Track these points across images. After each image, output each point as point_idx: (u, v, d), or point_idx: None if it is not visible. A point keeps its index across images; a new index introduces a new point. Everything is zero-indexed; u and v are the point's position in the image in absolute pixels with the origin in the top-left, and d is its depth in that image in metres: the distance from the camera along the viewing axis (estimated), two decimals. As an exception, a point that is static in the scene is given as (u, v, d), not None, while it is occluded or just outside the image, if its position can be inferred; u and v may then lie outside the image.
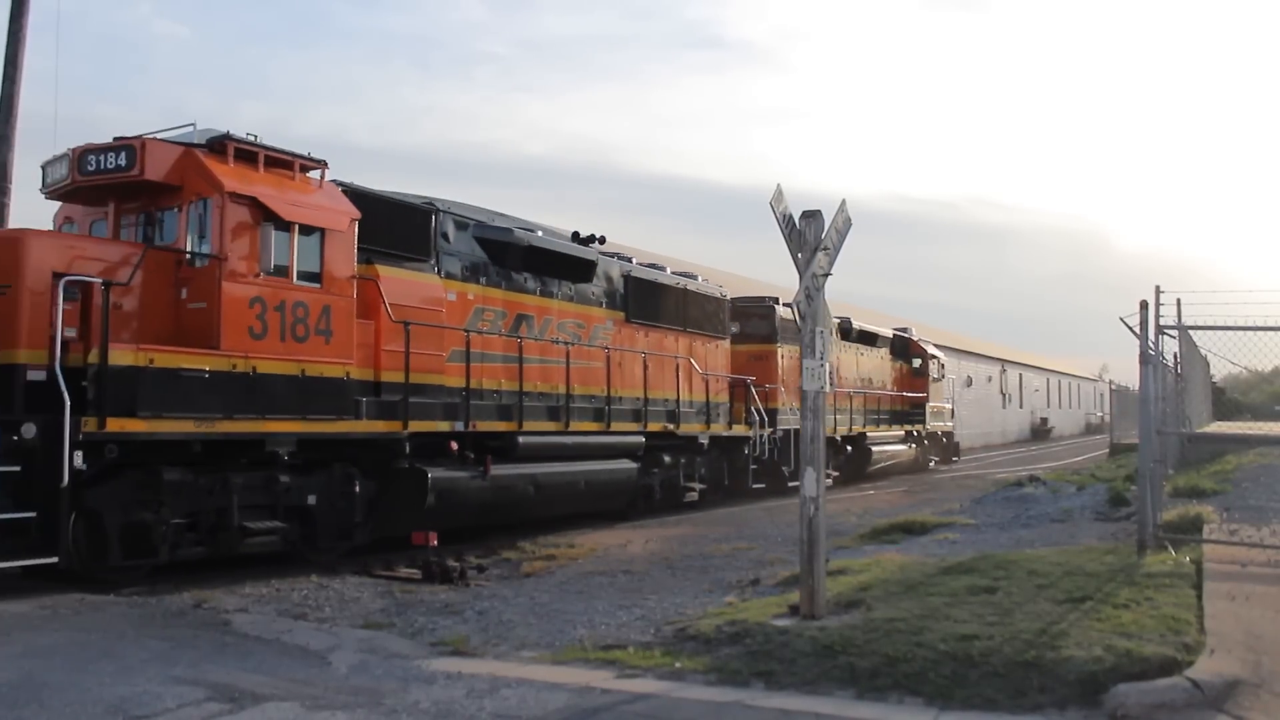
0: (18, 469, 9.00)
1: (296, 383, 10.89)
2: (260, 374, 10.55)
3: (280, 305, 10.86)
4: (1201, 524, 10.74)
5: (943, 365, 34.71)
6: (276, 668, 6.95)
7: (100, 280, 9.70)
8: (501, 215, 15.93)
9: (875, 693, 6.14)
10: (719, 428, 19.60)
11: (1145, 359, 9.96)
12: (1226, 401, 26.84)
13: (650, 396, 17.37)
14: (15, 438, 8.98)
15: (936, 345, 36.20)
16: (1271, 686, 5.84)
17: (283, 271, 10.98)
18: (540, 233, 16.04)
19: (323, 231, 11.35)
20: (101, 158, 10.76)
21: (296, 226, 11.08)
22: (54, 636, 7.65)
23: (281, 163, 11.40)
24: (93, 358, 9.48)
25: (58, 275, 9.54)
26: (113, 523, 9.78)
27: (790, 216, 8.11)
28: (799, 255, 8.07)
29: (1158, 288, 10.19)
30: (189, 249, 10.71)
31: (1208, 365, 17.29)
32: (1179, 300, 10.81)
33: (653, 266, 19.08)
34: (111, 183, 10.82)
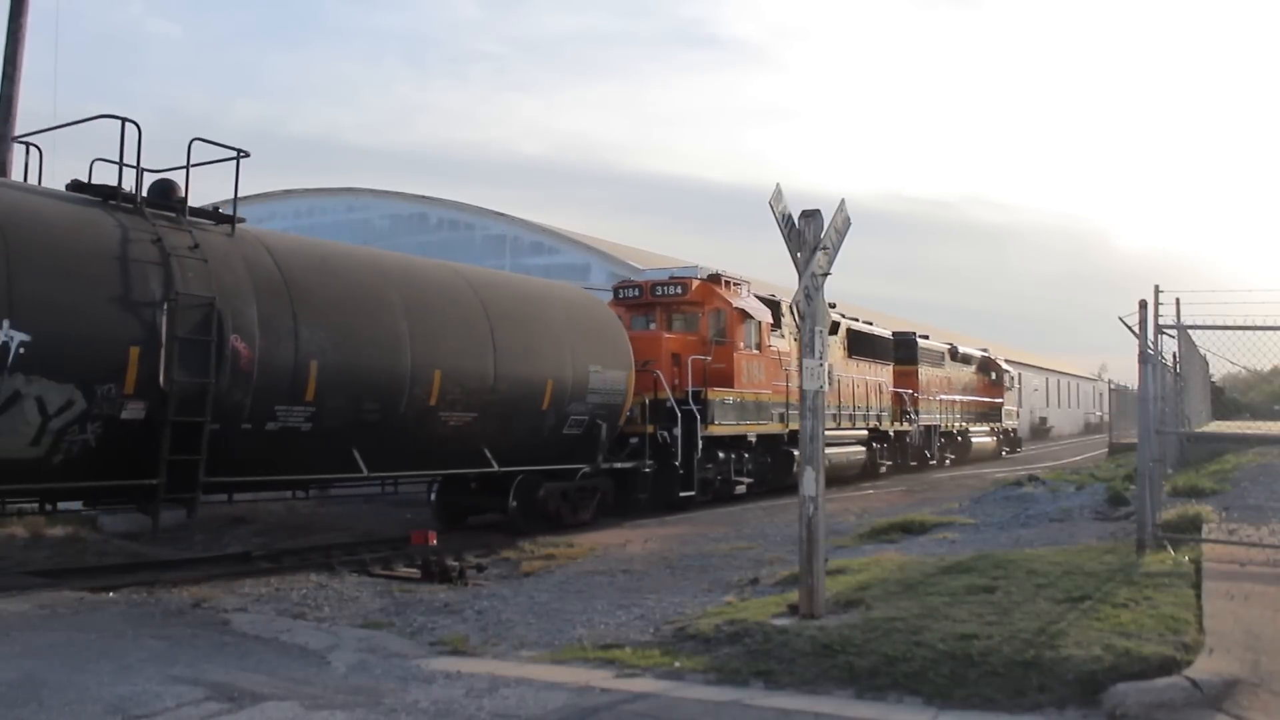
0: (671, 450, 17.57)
1: (756, 404, 20.18)
2: (746, 400, 19.78)
3: (749, 364, 20.05)
4: (1200, 523, 10.74)
5: (1013, 377, 44.17)
6: (275, 667, 6.95)
7: (706, 358, 18.75)
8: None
9: (874, 692, 6.14)
10: (898, 425, 28.83)
11: (1144, 358, 9.94)
12: (1225, 401, 26.91)
13: (869, 405, 26.66)
14: (666, 435, 17.61)
15: (1007, 361, 45.20)
16: (1270, 686, 5.83)
17: (749, 346, 20.21)
18: None
19: (760, 322, 20.73)
20: (666, 287, 20.03)
21: (754, 321, 20.43)
22: (53, 636, 7.66)
23: (737, 283, 20.51)
24: (702, 395, 18.18)
25: (673, 354, 18.36)
26: (695, 477, 17.92)
27: (789, 216, 8.11)
28: (798, 255, 8.06)
29: (1156, 287, 10.16)
30: (712, 336, 19.43)
31: (1207, 365, 17.32)
32: (1178, 300, 10.80)
33: (855, 320, 27.88)
34: (666, 301, 20.02)
